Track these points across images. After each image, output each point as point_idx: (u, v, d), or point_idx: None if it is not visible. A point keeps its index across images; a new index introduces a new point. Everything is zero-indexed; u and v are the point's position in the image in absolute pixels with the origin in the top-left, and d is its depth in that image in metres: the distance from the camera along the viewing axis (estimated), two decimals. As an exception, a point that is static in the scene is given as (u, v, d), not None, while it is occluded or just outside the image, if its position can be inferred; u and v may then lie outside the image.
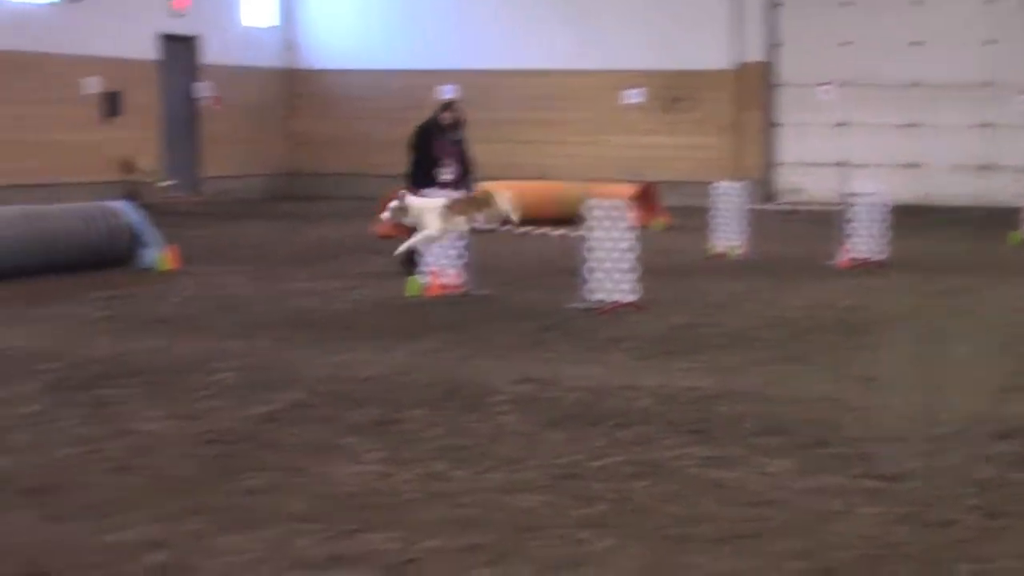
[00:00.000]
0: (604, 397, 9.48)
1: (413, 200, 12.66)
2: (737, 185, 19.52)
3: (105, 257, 16.38)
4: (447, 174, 15.47)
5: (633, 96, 29.09)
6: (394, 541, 6.28)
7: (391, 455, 7.86)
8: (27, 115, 24.93)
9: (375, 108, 30.29)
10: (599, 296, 13.59)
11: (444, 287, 14.68)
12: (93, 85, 26.37)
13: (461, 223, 12.69)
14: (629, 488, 7.27)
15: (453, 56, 30.03)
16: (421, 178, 15.43)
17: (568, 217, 20.24)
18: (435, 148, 15.61)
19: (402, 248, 12.76)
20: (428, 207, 12.61)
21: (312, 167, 31.42)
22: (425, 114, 16.27)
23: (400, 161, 15.85)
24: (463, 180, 15.72)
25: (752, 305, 14.23)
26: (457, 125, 15.90)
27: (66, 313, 13.11)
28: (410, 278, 14.72)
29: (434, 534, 6.40)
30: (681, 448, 8.06)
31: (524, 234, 15.80)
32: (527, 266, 17.59)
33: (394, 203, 12.89)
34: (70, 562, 5.93)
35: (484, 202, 12.87)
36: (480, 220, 12.75)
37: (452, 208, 12.68)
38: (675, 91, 29.20)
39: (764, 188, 28.85)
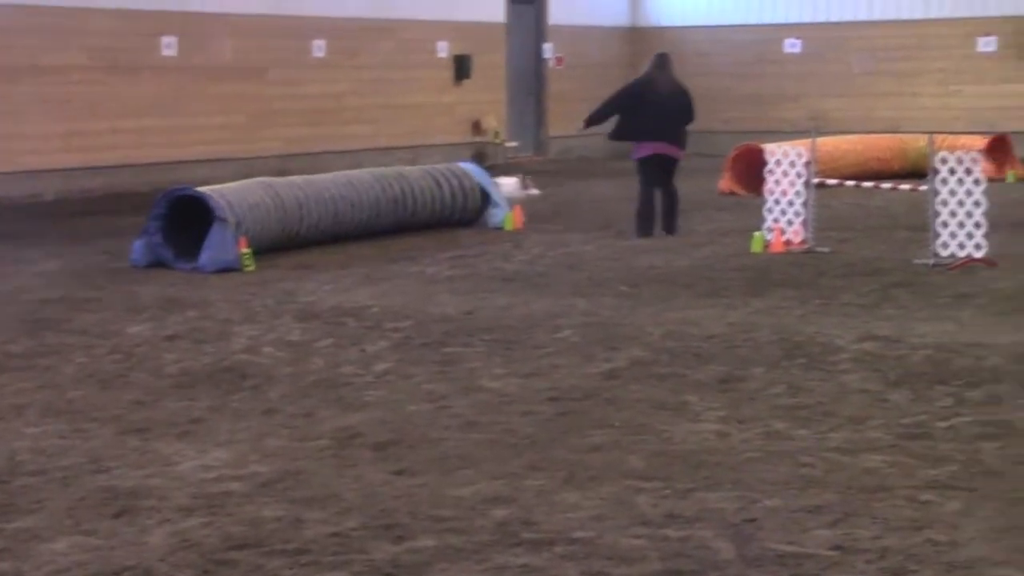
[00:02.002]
0: (953, 355, 9.23)
1: None
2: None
3: (454, 217, 16.81)
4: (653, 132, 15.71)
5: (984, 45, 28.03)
6: (733, 500, 6.26)
7: (731, 413, 7.84)
8: (387, 79, 25.70)
9: (720, 64, 29.99)
10: (949, 251, 13.23)
11: (787, 243, 14.53)
12: (444, 49, 26.99)
13: None
14: (978, 449, 7.08)
15: (800, 9, 29.50)
16: (625, 134, 15.95)
17: (917, 171, 19.73)
18: (643, 105, 15.64)
19: None
20: None
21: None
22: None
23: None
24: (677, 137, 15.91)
25: (1114, 259, 13.61)
26: (669, 81, 15.91)
27: (416, 272, 13.49)
28: (755, 234, 14.63)
29: (774, 494, 6.35)
30: (1034, 409, 7.79)
31: (868, 190, 15.45)
32: (871, 222, 17.21)
33: None
34: (420, 515, 6.10)
35: None
36: None
37: None
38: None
39: None
